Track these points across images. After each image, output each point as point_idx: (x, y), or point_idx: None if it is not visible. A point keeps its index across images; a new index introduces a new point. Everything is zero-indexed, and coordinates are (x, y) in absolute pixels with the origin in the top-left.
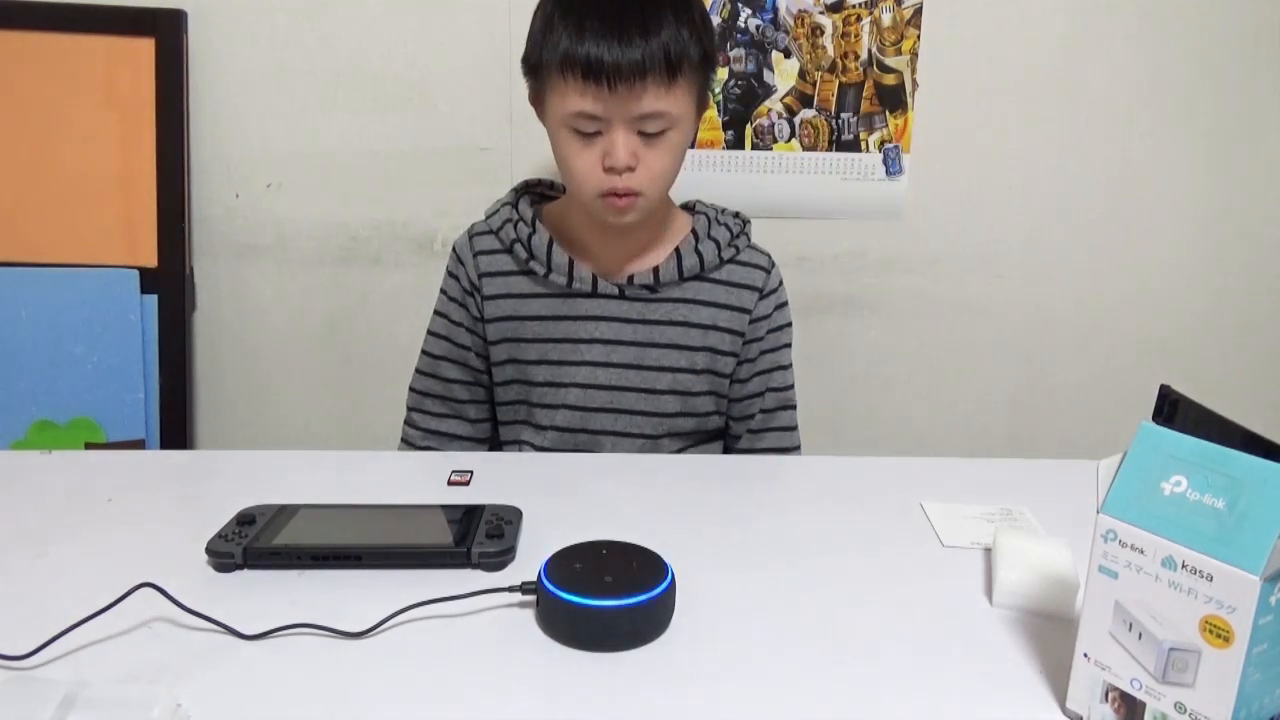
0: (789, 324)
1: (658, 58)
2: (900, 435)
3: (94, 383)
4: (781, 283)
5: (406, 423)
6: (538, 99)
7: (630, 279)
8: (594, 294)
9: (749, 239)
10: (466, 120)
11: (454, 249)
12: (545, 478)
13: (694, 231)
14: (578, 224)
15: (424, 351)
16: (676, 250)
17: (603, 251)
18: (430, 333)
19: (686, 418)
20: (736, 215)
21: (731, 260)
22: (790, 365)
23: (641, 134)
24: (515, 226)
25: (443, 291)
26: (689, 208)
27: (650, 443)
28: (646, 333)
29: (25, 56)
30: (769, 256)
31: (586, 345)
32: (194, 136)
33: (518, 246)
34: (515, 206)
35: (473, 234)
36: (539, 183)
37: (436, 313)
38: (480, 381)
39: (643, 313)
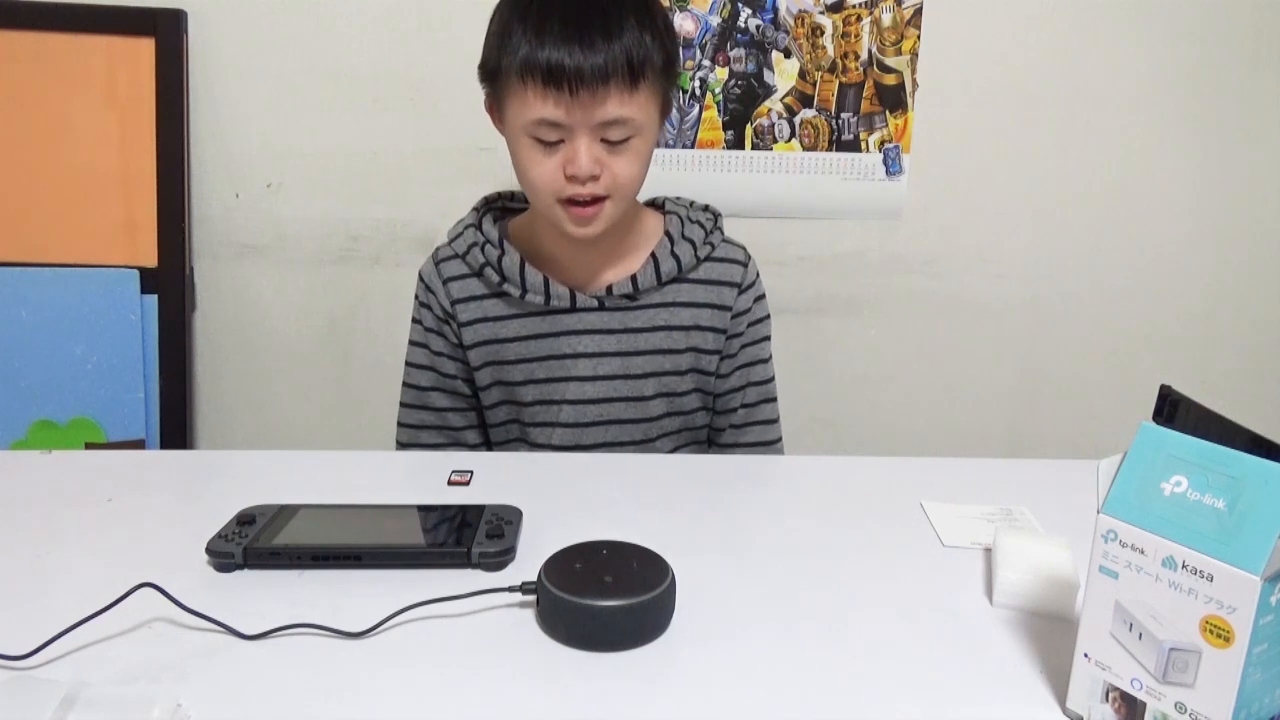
0: (768, 316)
1: (620, 62)
2: (900, 435)
3: (94, 383)
4: (759, 274)
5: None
6: (495, 107)
7: (609, 290)
8: (573, 309)
9: (723, 233)
10: (466, 120)
11: (421, 277)
12: (545, 478)
13: (668, 234)
14: (547, 238)
15: (407, 385)
16: (653, 255)
17: (575, 264)
18: (411, 364)
19: (673, 417)
20: (706, 209)
21: (708, 258)
22: (770, 358)
23: (605, 142)
24: (483, 249)
25: (417, 321)
26: (657, 205)
27: (644, 447)
28: (630, 341)
29: (25, 56)
30: (744, 249)
31: (572, 361)
32: (194, 136)
33: (488, 270)
34: (479, 228)
35: (438, 260)
36: (498, 197)
37: (414, 343)
38: (473, 406)
39: (624, 322)
